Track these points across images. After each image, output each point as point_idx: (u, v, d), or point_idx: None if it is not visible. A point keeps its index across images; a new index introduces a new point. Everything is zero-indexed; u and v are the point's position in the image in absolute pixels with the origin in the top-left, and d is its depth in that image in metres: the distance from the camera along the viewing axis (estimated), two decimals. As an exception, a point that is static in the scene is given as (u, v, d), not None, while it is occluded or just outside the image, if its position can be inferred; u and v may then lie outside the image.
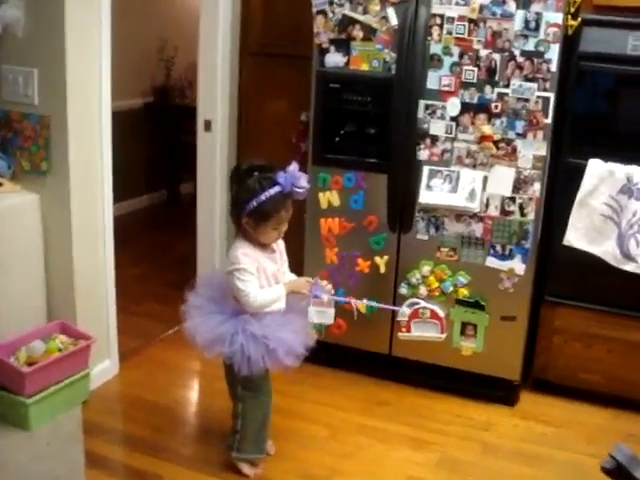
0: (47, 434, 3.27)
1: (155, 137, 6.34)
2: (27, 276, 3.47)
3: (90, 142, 3.47)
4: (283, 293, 2.91)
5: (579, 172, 3.41)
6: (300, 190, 2.82)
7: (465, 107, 3.40)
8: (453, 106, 3.40)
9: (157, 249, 5.53)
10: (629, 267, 3.40)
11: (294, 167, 2.84)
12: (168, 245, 5.76)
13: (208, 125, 4.31)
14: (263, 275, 2.89)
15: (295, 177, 2.80)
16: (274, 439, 3.27)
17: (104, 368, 3.74)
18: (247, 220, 2.83)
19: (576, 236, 3.48)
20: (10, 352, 3.31)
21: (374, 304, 3.21)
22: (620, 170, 3.36)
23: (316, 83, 3.62)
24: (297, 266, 3.79)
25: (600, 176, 3.39)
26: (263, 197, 2.77)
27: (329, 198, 3.68)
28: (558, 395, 3.73)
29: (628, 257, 3.40)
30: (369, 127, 3.61)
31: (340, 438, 3.35)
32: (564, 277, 3.60)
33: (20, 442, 3.20)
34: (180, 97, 6.49)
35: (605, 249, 3.44)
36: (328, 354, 3.82)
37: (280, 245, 3.02)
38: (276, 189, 2.78)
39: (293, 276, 3.11)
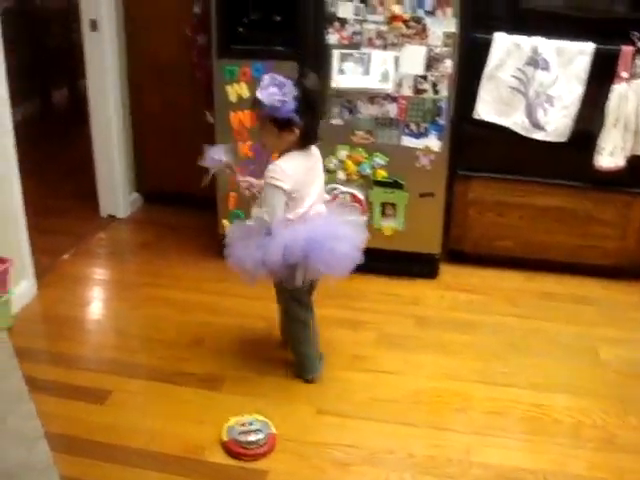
0: (-20, 366, 3.16)
1: (18, 44, 5.91)
2: None
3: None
4: None
5: (487, 47, 3.47)
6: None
7: (373, -13, 3.35)
8: (360, -14, 3.36)
9: (44, 162, 5.23)
10: (538, 135, 3.54)
11: (266, 79, 2.68)
12: (54, 156, 5.49)
13: (94, 25, 4.05)
14: None
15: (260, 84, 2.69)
16: (215, 337, 3.31)
17: (22, 290, 3.58)
18: None
19: (485, 109, 3.57)
20: None
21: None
22: (525, 42, 3.44)
23: (215, -29, 3.46)
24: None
25: (506, 49, 3.46)
26: None
27: (238, 90, 3.58)
28: (475, 264, 3.92)
29: (537, 126, 3.53)
30: (274, 14, 3.50)
31: (276, 328, 3.32)
32: (476, 151, 3.72)
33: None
34: (42, -1, 6.08)
35: (514, 120, 3.56)
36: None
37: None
38: None
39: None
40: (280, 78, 2.66)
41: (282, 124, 2.70)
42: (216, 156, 2.90)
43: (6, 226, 3.48)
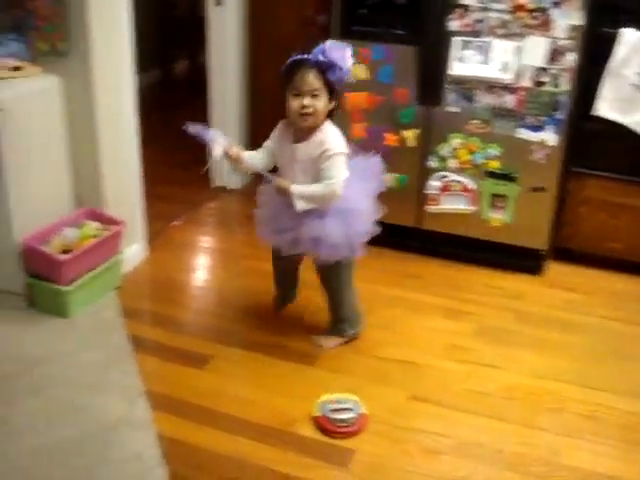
0: (89, 322, 3.31)
1: (145, 14, 6.10)
2: (52, 163, 3.39)
3: (109, 17, 3.31)
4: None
5: (612, 42, 3.37)
6: (325, 59, 2.71)
7: (498, -25, 3.30)
8: (486, -26, 3.32)
9: (160, 130, 5.36)
10: (659, 136, 3.43)
11: (329, 42, 2.75)
12: (172, 125, 5.59)
13: (219, -2, 4.17)
14: (279, 155, 2.93)
15: (324, 48, 2.72)
16: (312, 315, 3.36)
17: (133, 252, 3.73)
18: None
19: (605, 106, 3.47)
20: (42, 241, 3.30)
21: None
22: (654, 39, 3.33)
23: (340, -49, 3.49)
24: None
25: (633, 45, 3.34)
26: (288, 61, 2.78)
27: (355, 72, 3.58)
28: (581, 263, 3.83)
29: (659, 126, 3.42)
30: (397, -3, 3.52)
31: (376, 311, 3.40)
32: (592, 148, 3.61)
33: (64, 331, 3.24)
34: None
35: (636, 119, 3.44)
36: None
37: (316, 145, 2.81)
38: (301, 56, 2.76)
39: (309, 189, 2.83)
40: (344, 44, 2.76)
41: (333, 91, 2.79)
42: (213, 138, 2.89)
43: (124, 190, 3.62)
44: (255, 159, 2.95)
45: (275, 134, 2.96)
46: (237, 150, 2.91)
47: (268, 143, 2.98)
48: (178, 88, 6.72)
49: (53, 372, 2.95)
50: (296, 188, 2.80)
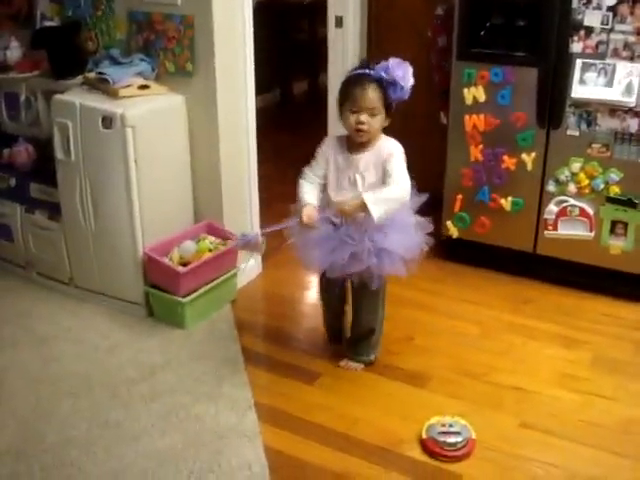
0: (204, 333, 3.40)
1: (266, 37, 6.27)
2: (175, 178, 3.53)
3: (233, 40, 3.42)
4: (301, 201, 2.91)
5: None
6: (388, 77, 2.69)
7: (624, -4, 3.22)
8: (611, -5, 3.24)
9: (278, 150, 5.50)
10: None
11: (393, 61, 2.74)
12: (289, 145, 5.75)
13: (339, 21, 4.23)
14: (333, 168, 2.86)
15: (388, 65, 2.71)
16: (426, 336, 3.35)
17: (248, 267, 3.82)
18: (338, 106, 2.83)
19: None
20: (163, 253, 3.42)
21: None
22: None
23: (461, -27, 3.49)
24: (439, 163, 3.80)
25: None
26: (345, 77, 2.79)
27: (474, 94, 3.58)
28: None
29: None
30: (517, 19, 3.46)
31: (491, 336, 3.36)
32: None
33: (180, 341, 3.34)
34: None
35: None
36: (471, 252, 3.87)
37: (379, 152, 2.80)
38: (359, 71, 2.75)
39: (382, 193, 2.73)
40: (407, 63, 2.75)
41: (390, 108, 2.76)
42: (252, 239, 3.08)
43: (241, 206, 3.72)
44: (317, 199, 2.89)
45: (323, 150, 2.91)
46: (309, 215, 2.81)
47: (317, 171, 2.91)
48: (297, 108, 6.84)
49: (169, 380, 3.05)
50: (368, 196, 2.71)
